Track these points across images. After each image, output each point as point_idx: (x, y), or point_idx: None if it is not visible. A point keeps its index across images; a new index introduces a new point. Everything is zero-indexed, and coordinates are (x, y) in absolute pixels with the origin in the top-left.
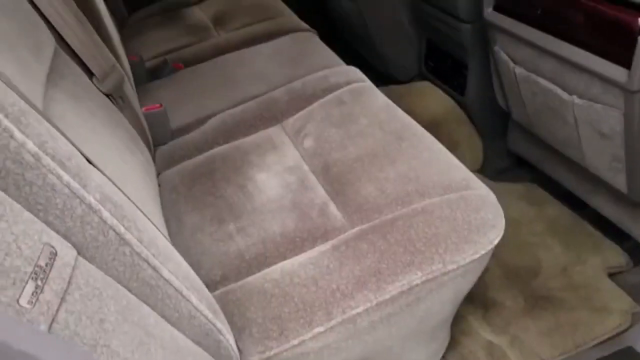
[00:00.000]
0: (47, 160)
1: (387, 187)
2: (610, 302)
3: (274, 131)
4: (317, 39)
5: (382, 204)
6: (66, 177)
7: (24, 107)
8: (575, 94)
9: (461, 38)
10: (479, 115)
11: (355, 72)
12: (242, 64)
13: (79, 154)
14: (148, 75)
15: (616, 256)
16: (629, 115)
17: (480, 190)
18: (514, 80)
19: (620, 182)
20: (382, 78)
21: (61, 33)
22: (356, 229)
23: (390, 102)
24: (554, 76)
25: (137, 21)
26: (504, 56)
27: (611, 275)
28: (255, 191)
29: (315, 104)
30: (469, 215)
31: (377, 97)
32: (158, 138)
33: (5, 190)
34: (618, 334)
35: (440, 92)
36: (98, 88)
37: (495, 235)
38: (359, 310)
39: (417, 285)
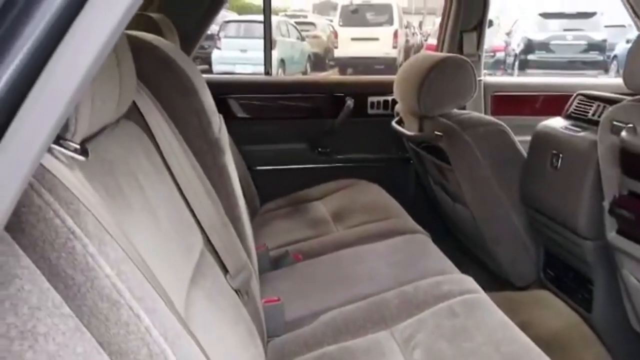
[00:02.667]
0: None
1: None
2: None
3: (383, 336)
4: (430, 242)
5: None
6: None
7: (162, 310)
8: None
9: (583, 254)
10: (610, 337)
11: (469, 282)
12: (357, 261)
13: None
14: (270, 264)
15: None
16: None
17: None
18: None
19: None
20: (497, 281)
21: (208, 234)
22: None
23: (507, 319)
24: None
25: (267, 211)
26: (634, 281)
27: None
28: None
29: (427, 312)
30: None
31: (493, 312)
32: (272, 329)
33: None
34: None
35: (562, 304)
36: (230, 284)
37: None
38: None
39: None
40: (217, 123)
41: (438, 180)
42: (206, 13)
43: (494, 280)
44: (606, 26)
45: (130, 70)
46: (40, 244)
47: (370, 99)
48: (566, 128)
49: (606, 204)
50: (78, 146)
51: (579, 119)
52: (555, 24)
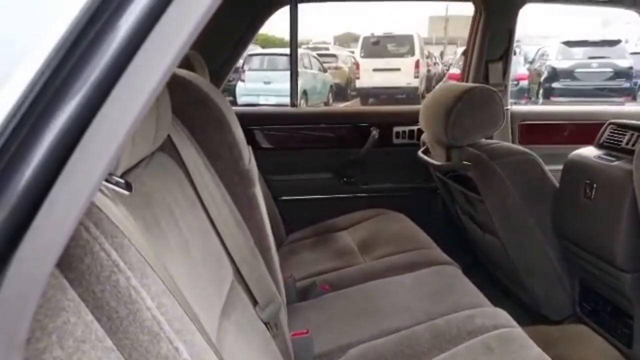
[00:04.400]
0: None
1: None
2: None
3: None
4: (460, 273)
5: None
6: None
7: (200, 343)
8: None
9: (622, 287)
10: None
11: (504, 315)
12: (386, 293)
13: None
14: (298, 295)
15: None
16: None
17: None
18: None
19: None
20: (530, 314)
21: (238, 266)
22: None
23: (544, 354)
24: None
25: (293, 241)
26: None
27: None
28: None
29: (460, 347)
30: None
31: (530, 347)
32: None
33: None
34: None
35: (601, 340)
36: (259, 317)
37: None
38: None
39: None
40: (247, 155)
41: (466, 210)
42: (235, 48)
43: (527, 313)
44: (632, 53)
45: (166, 106)
46: (87, 277)
47: (396, 128)
48: (599, 157)
49: None
50: (122, 180)
51: (612, 147)
52: (579, 52)
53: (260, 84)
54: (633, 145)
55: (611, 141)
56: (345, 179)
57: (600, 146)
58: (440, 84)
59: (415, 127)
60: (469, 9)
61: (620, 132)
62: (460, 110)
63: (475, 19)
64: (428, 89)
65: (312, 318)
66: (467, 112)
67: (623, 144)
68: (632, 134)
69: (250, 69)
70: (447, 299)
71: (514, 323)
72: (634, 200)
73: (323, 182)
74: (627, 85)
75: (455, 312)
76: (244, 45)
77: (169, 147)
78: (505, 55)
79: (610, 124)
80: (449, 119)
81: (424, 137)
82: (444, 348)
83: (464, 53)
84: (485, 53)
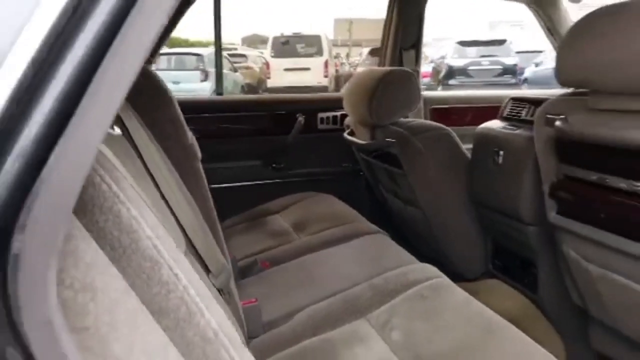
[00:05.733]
0: (222, 336)
1: None
2: None
3: (360, 324)
4: (389, 239)
5: None
6: (233, 352)
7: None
8: None
9: (527, 239)
10: (555, 313)
11: (431, 269)
12: (324, 263)
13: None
14: (240, 274)
15: None
16: None
17: None
18: (588, 278)
19: None
20: (449, 276)
21: (190, 236)
22: None
23: (470, 297)
24: (632, 273)
25: (227, 227)
26: (574, 255)
27: None
28: None
29: (398, 299)
30: None
31: (458, 294)
32: (251, 330)
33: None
34: None
35: (511, 289)
36: (213, 284)
37: None
38: None
39: None
40: (189, 131)
41: (389, 187)
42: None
43: (446, 274)
44: (517, 52)
45: None
46: (90, 208)
47: (320, 115)
48: (504, 128)
49: (546, 189)
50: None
51: (514, 119)
52: (472, 51)
53: (170, 84)
54: (531, 116)
55: (513, 114)
56: (274, 165)
57: (504, 119)
58: (349, 82)
59: (338, 113)
60: (371, 12)
61: (520, 106)
62: (383, 91)
63: (390, 9)
64: (337, 88)
65: (257, 292)
66: (389, 93)
67: (523, 116)
68: (530, 107)
69: (157, 69)
70: (381, 261)
71: (442, 274)
72: (536, 162)
73: (252, 169)
74: (513, 81)
75: (390, 270)
76: (164, 37)
77: (117, 122)
78: (416, 43)
79: (511, 99)
80: (372, 99)
81: (347, 120)
82: (384, 301)
83: (374, 49)
84: (400, 41)
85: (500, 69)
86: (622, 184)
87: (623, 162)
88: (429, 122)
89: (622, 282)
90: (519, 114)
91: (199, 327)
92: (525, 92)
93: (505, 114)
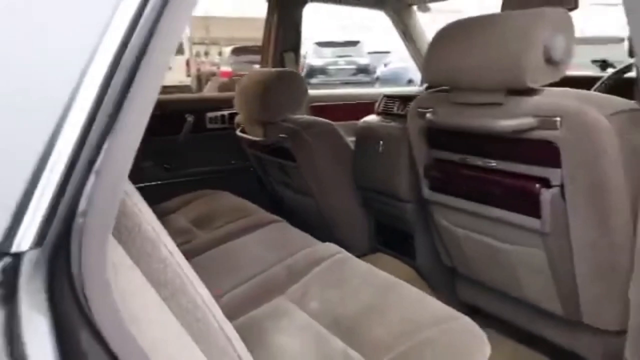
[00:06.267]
0: (206, 301)
1: (390, 328)
2: None
3: (280, 301)
4: (290, 226)
5: (392, 342)
6: (218, 314)
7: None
8: (507, 242)
9: (405, 215)
10: (430, 274)
11: (333, 246)
12: (235, 253)
13: None
14: None
15: None
16: (548, 251)
17: (464, 319)
18: (456, 240)
19: (556, 306)
20: None
21: None
22: None
23: (372, 266)
24: (488, 232)
25: None
26: (445, 223)
27: None
28: (278, 352)
29: (310, 274)
30: (460, 340)
31: (361, 265)
32: None
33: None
34: None
35: (394, 259)
36: None
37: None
38: None
39: None
40: None
41: (281, 179)
42: None
43: None
44: (369, 52)
45: None
46: None
47: (209, 114)
48: (381, 121)
49: (420, 170)
50: None
51: (388, 114)
52: (329, 52)
53: None
54: (402, 110)
55: (386, 109)
56: (165, 166)
57: (379, 114)
58: (212, 81)
59: (226, 112)
60: (227, 11)
61: (392, 102)
62: (274, 90)
63: (269, 13)
64: (199, 87)
65: None
66: (279, 92)
67: (395, 110)
68: (400, 103)
69: None
70: (287, 245)
71: (343, 250)
72: (410, 149)
73: (145, 170)
74: (367, 79)
75: (299, 252)
76: None
77: None
78: (295, 45)
79: (384, 96)
80: (264, 98)
81: (238, 119)
82: (298, 279)
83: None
84: (280, 44)
85: (354, 68)
86: (479, 162)
87: (478, 144)
88: (315, 117)
89: (482, 240)
90: (391, 109)
91: (191, 295)
92: (397, 89)
93: (380, 110)
